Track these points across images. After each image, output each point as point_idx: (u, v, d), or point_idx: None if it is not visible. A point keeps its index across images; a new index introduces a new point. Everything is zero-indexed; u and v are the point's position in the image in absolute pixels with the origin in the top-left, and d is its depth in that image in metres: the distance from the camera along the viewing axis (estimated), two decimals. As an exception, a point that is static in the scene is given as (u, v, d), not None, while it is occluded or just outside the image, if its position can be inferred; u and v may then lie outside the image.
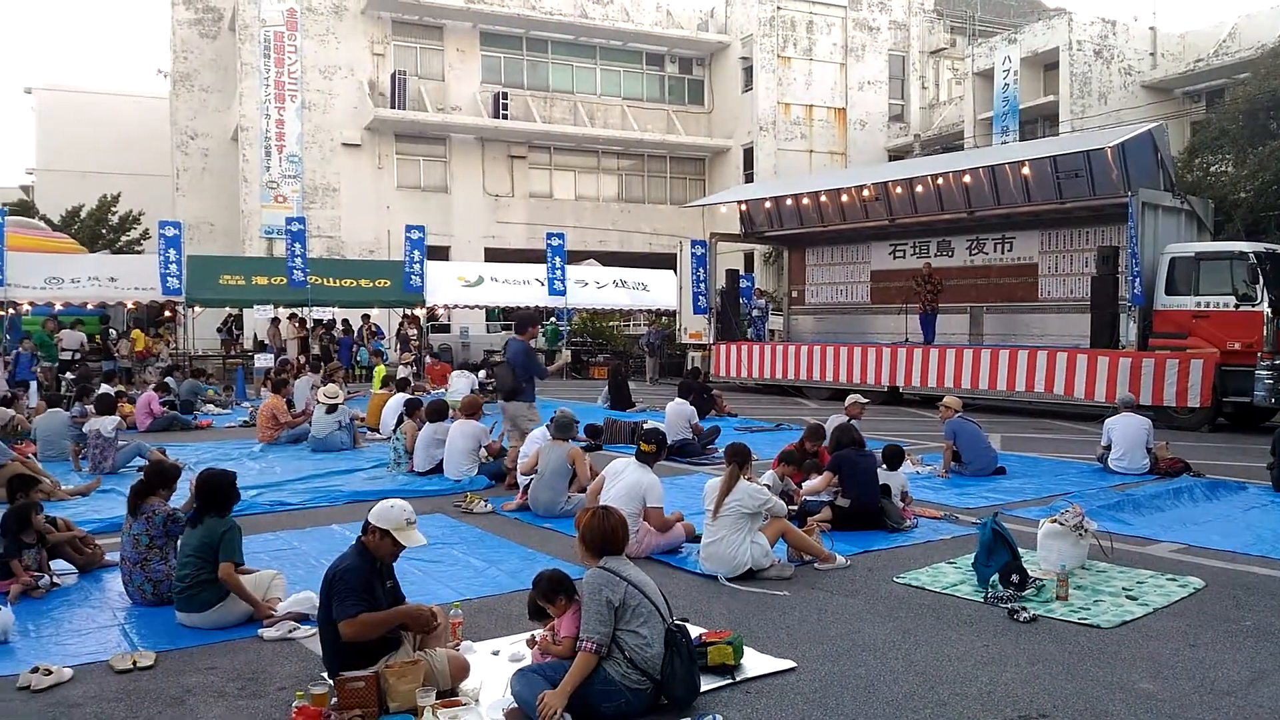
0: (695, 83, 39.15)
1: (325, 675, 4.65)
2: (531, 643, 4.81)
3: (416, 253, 25.92)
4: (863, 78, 37.23)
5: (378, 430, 14.68)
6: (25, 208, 35.60)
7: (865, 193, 21.01)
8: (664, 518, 7.31)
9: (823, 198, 22.01)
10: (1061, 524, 6.64)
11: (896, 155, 36.19)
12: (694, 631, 4.85)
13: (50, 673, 4.89)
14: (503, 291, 27.87)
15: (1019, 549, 6.39)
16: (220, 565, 5.60)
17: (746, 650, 4.96)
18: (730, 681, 4.70)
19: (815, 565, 6.88)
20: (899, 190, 20.52)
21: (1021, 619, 5.70)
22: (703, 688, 4.51)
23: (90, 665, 5.11)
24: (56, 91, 43.25)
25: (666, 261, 31.57)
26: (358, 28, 33.20)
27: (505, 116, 34.33)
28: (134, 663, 5.10)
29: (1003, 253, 20.11)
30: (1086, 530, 6.69)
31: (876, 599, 6.22)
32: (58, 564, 6.81)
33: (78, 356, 22.63)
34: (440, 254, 30.61)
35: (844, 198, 21.58)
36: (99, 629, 5.80)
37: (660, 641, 4.30)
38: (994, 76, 31.85)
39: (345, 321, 26.83)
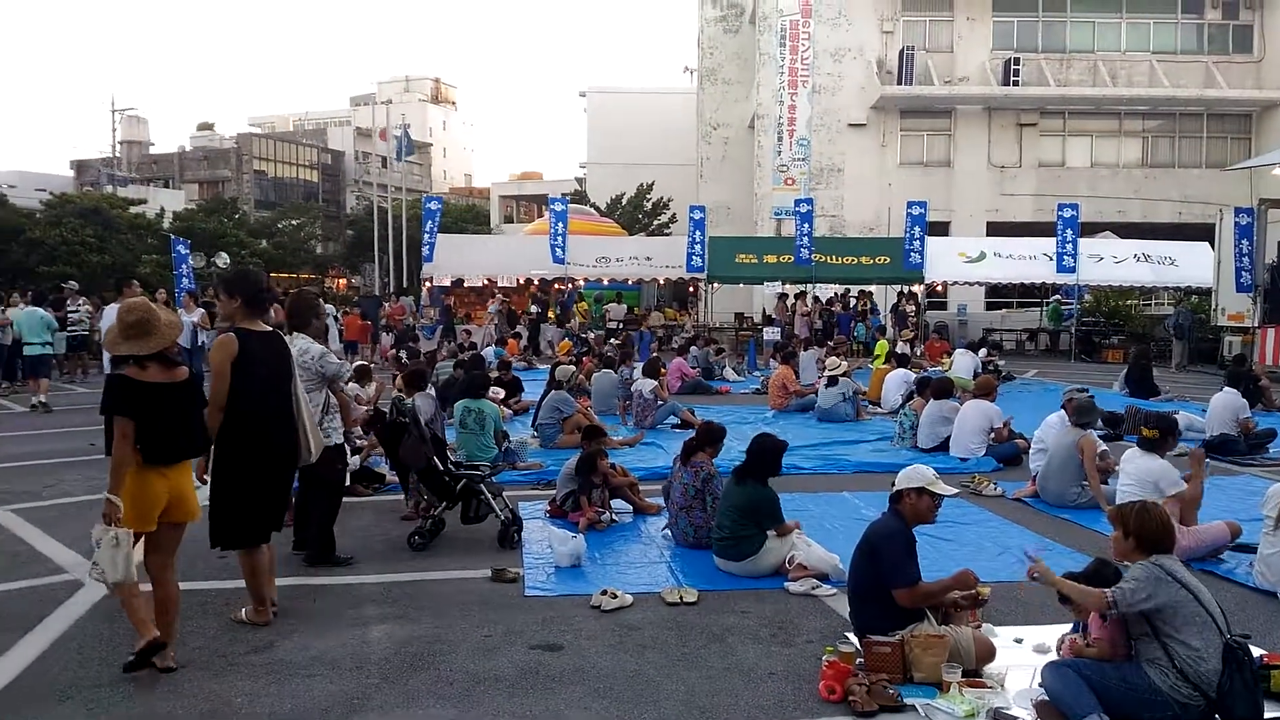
0: (1241, 28, 33.80)
1: (851, 635, 4.93)
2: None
3: (917, 229, 25.67)
4: None
5: (879, 404, 14.91)
6: (580, 197, 41.22)
7: None
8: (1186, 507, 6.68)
9: None
10: None
11: None
12: (1254, 652, 4.34)
13: (615, 597, 5.75)
14: (1006, 267, 26.51)
15: None
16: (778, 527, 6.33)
17: (1324, 682, 4.33)
18: (1301, 713, 4.15)
19: None
20: None
21: None
22: (1266, 715, 4.04)
23: (645, 595, 5.91)
24: (604, 94, 49.34)
25: (1199, 233, 27.76)
26: (868, 8, 33.52)
27: (1016, 83, 32.55)
28: (680, 597, 5.80)
29: None
30: None
31: None
32: (616, 503, 7.95)
33: (621, 326, 25.89)
34: (940, 229, 29.97)
35: None
36: (650, 564, 6.67)
37: (1217, 655, 3.92)
38: None
39: (858, 293, 27.40)
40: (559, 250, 25.31)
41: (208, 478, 5.23)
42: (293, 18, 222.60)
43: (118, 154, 53.78)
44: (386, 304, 27.35)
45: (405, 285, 38.05)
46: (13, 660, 4.87)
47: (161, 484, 4.74)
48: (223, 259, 31.77)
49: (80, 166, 58.71)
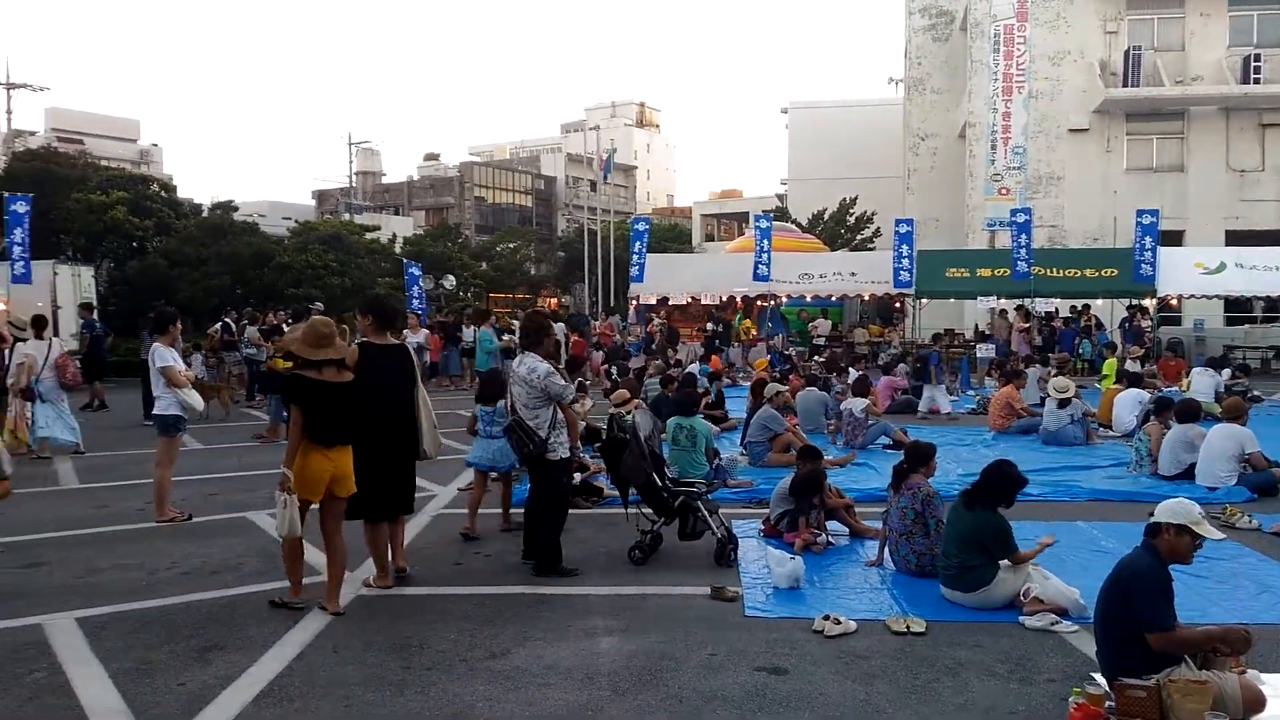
0: None
1: (1098, 676, 4.64)
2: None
3: (1148, 239, 23.97)
4: None
5: (1109, 427, 14.02)
6: (781, 214, 40.98)
7: None
8: None
9: None
10: None
11: None
12: None
13: (839, 623, 5.64)
14: (1249, 279, 24.29)
15: None
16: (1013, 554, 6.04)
17: None
18: None
19: None
20: None
21: None
22: None
23: (869, 622, 5.77)
24: (805, 109, 48.98)
25: None
26: (1089, 8, 31.83)
27: (1257, 81, 29.93)
28: (907, 627, 5.63)
29: None
30: None
31: None
32: (831, 525, 7.82)
33: (824, 342, 25.54)
34: (1172, 239, 27.94)
35: None
36: (871, 590, 6.52)
37: None
38: None
39: (1080, 307, 25.93)
40: (763, 268, 25.26)
41: None
42: (510, 51, 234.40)
43: (354, 184, 58.15)
44: (596, 321, 28.20)
45: (613, 304, 39.05)
46: (277, 657, 5.30)
47: (325, 463, 5.88)
48: (450, 281, 33.64)
49: (321, 196, 63.87)
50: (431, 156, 75.92)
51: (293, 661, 5.22)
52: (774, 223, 28.56)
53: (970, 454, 12.01)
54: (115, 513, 9.11)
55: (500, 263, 47.44)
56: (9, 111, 45.62)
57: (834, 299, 27.42)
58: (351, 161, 56.06)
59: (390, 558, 6.62)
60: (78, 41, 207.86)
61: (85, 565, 7.21)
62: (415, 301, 24.20)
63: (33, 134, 47.76)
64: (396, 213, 60.18)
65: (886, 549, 7.00)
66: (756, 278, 25.30)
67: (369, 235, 38.41)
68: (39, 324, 12.69)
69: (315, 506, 6.07)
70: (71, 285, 23.85)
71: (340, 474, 5.94)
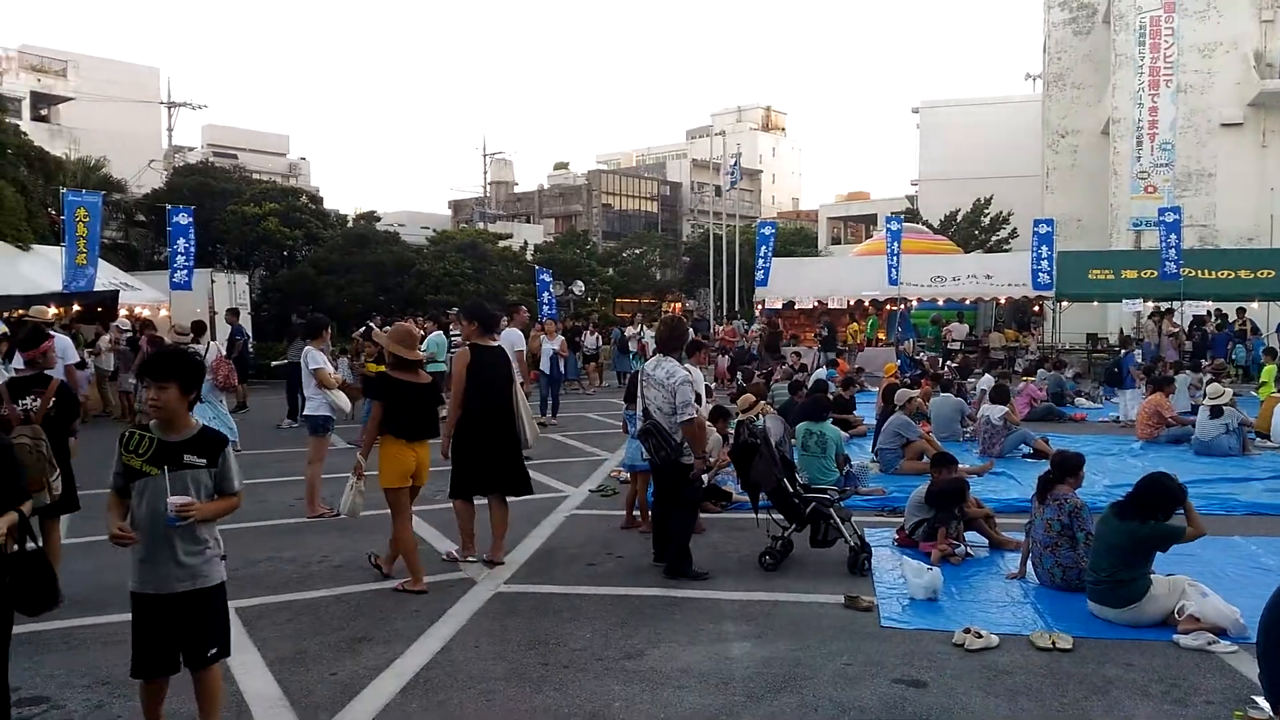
0: None
1: (1261, 700, 4.38)
2: None
3: (1310, 238, 22.50)
4: None
5: (1269, 437, 13.21)
6: (911, 215, 40.05)
7: None
8: None
9: None
10: None
11: None
12: None
13: (980, 636, 5.49)
14: None
15: None
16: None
17: None
18: None
19: None
20: None
21: None
22: None
23: (1011, 636, 5.60)
24: (936, 108, 47.78)
25: None
26: (1243, -3, 30.18)
27: None
28: (1053, 643, 5.44)
29: None
30: None
31: None
32: (970, 536, 7.62)
33: (961, 348, 24.74)
34: (1340, 238, 26.12)
35: None
36: (1013, 603, 6.31)
37: None
38: None
39: (1236, 310, 24.51)
40: (894, 271, 24.73)
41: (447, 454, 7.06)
42: (636, 59, 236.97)
43: (488, 193, 59.79)
44: (719, 327, 28.10)
45: (737, 308, 38.95)
46: (422, 650, 5.49)
47: (410, 454, 6.50)
48: (578, 287, 34.14)
49: (456, 206, 65.90)
50: (561, 165, 77.13)
51: (437, 655, 5.40)
52: (906, 225, 27.94)
53: (1117, 464, 11.52)
54: (269, 508, 9.59)
55: (627, 268, 47.94)
56: (170, 129, 48.42)
57: (968, 302, 26.59)
58: (486, 172, 57.70)
59: (492, 546, 7.25)
60: (231, 61, 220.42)
61: (242, 557, 7.60)
62: (547, 308, 24.63)
63: (191, 149, 50.70)
64: (528, 221, 61.52)
65: (1030, 562, 6.77)
66: (888, 281, 24.78)
67: (502, 243, 39.40)
68: (198, 329, 13.52)
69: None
70: (227, 292, 25.21)
71: (421, 465, 6.63)
